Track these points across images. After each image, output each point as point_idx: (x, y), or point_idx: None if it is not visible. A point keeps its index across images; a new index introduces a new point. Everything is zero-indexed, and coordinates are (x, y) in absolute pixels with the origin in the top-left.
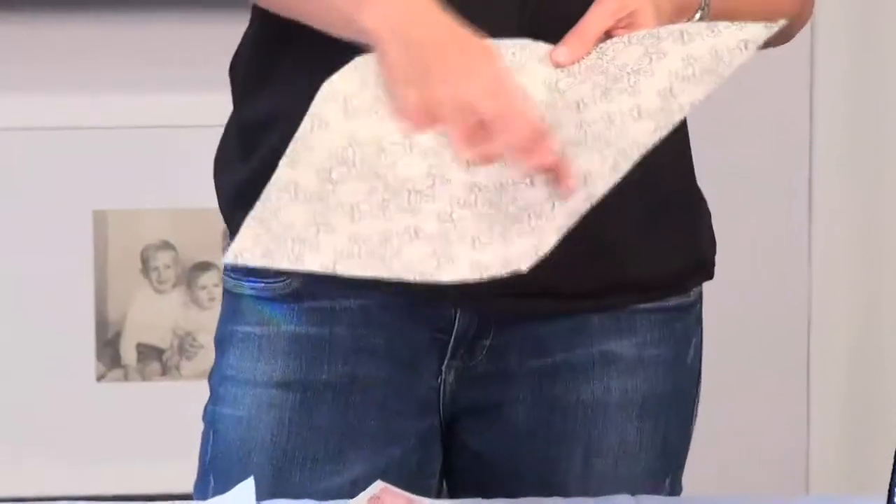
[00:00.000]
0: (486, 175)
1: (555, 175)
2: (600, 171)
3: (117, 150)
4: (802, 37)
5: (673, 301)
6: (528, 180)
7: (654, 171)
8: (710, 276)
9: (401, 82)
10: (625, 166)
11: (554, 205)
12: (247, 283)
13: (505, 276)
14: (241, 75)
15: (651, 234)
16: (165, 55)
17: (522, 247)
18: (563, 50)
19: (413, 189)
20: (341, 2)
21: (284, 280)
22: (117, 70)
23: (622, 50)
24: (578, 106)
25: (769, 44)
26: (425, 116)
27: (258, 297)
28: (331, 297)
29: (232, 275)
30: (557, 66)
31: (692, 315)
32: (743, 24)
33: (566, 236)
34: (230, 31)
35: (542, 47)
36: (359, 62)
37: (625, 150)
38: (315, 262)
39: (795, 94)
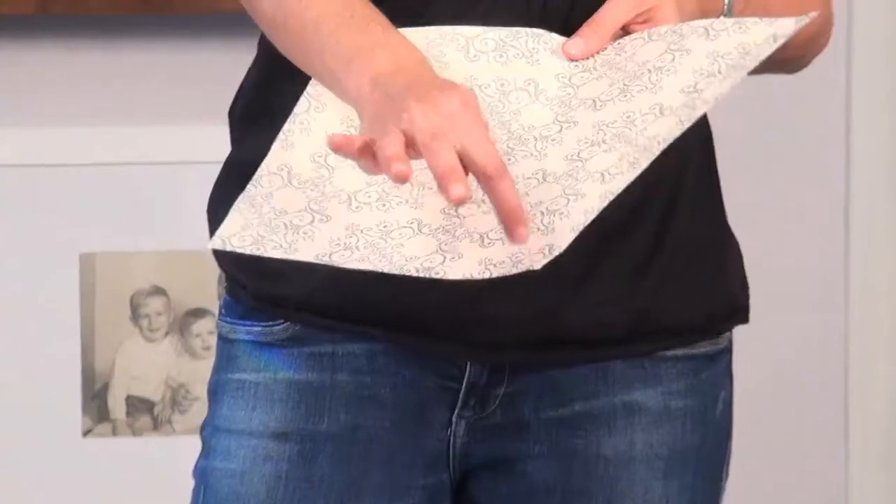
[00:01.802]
0: None
1: (507, 218)
2: (618, 167)
3: (106, 189)
4: (837, 71)
5: (701, 348)
6: (539, 177)
7: (682, 209)
8: (743, 320)
9: (380, 132)
10: (644, 162)
11: (568, 201)
12: (242, 327)
13: (515, 273)
14: (244, 112)
15: (679, 274)
16: (157, 87)
17: (535, 244)
18: (577, 42)
19: (416, 181)
20: (332, 62)
21: (283, 323)
22: (105, 102)
23: (641, 46)
24: (595, 104)
25: (786, 66)
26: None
27: (254, 342)
28: (333, 342)
29: (227, 319)
30: (571, 59)
31: (721, 364)
32: (772, 19)
33: (585, 279)
34: (224, 63)
35: (555, 38)
36: None
37: (645, 147)
38: (309, 251)
39: (831, 130)
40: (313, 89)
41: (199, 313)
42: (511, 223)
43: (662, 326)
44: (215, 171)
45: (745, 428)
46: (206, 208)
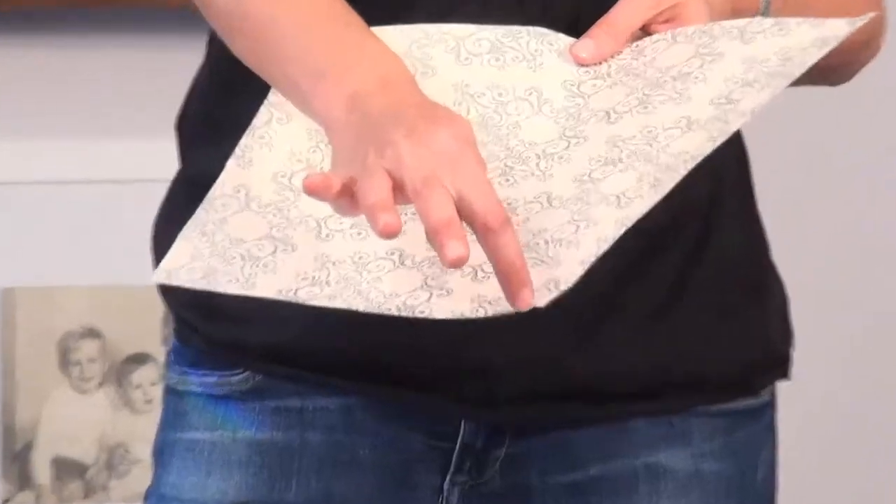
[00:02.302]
0: None
1: (507, 279)
2: (637, 189)
3: (28, 213)
4: None
5: (738, 403)
6: (543, 200)
7: (714, 239)
8: (782, 374)
9: (360, 169)
10: (669, 184)
11: (578, 228)
12: (193, 377)
13: (514, 313)
14: (193, 123)
15: (711, 319)
16: (87, 96)
17: (537, 278)
18: (587, 43)
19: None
20: (298, 72)
21: (242, 373)
22: (25, 109)
23: (665, 50)
24: (609, 116)
25: (829, 76)
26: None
27: (208, 395)
28: (301, 395)
29: (175, 367)
30: (580, 63)
31: (762, 422)
32: (818, 19)
33: (596, 321)
34: (171, 64)
35: (562, 39)
36: None
37: (669, 166)
38: (270, 286)
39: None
40: (275, 97)
41: (140, 360)
42: (513, 285)
43: (687, 379)
44: (160, 192)
45: (791, 492)
46: (149, 235)
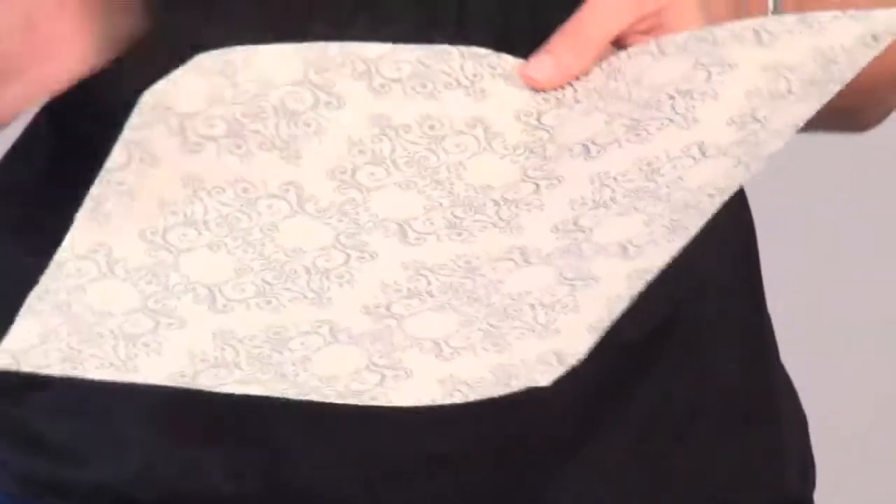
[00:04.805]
0: (435, 249)
1: None
2: (647, 234)
3: None
4: None
5: None
6: (515, 256)
7: (705, 345)
8: None
9: None
10: (694, 223)
11: (574, 287)
12: None
13: (508, 394)
14: None
15: (705, 450)
16: None
17: (532, 351)
18: (543, 62)
19: (314, 267)
20: None
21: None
22: None
23: (651, 65)
24: (587, 150)
25: (855, 117)
26: None
27: None
28: None
29: None
30: (535, 88)
31: None
32: (859, 11)
33: (575, 447)
34: None
35: (506, 60)
36: (202, 63)
37: (688, 203)
38: (158, 369)
39: None
40: (136, 133)
41: None
42: None
43: None
44: None
45: None
46: None
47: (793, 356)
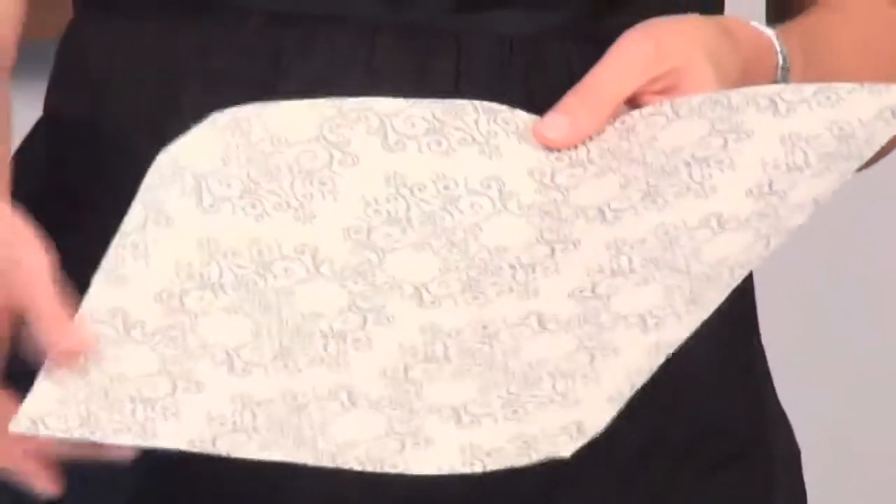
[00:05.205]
0: (452, 313)
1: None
2: (667, 306)
3: None
4: None
5: None
6: (532, 323)
7: (698, 385)
8: None
9: None
10: (715, 297)
11: (593, 358)
12: None
13: (529, 465)
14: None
15: (692, 487)
16: None
17: (553, 421)
18: (558, 121)
19: (331, 332)
20: None
21: None
22: None
23: (664, 127)
24: (603, 215)
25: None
26: None
27: None
28: None
29: None
30: (549, 146)
31: None
32: (876, 84)
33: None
34: None
35: (520, 116)
36: (217, 121)
37: (707, 277)
38: (177, 434)
39: None
40: (151, 193)
41: None
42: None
43: None
44: None
45: None
46: None
47: (786, 366)
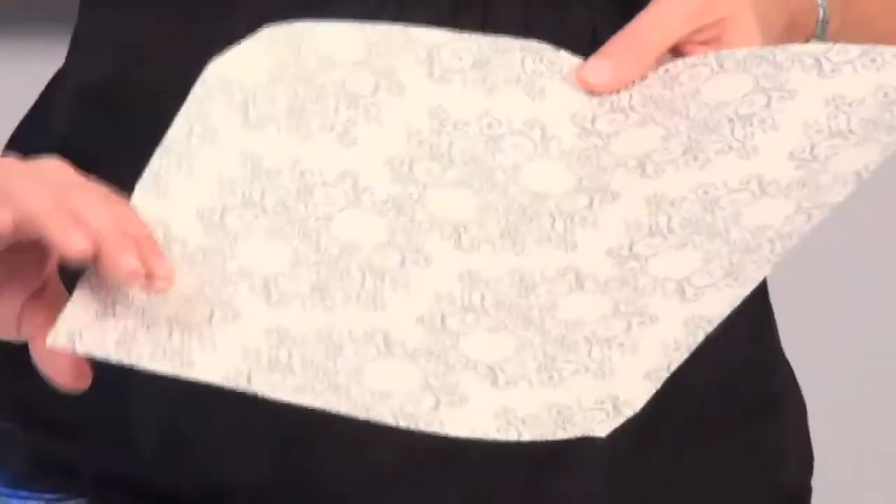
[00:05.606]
0: (490, 259)
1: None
2: (706, 275)
3: None
4: None
5: None
6: (570, 279)
7: (707, 347)
8: None
9: None
10: (754, 274)
11: (630, 325)
12: (15, 502)
13: (564, 441)
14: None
15: (703, 451)
16: None
17: (588, 392)
18: (601, 65)
19: (369, 267)
20: None
21: (75, 500)
22: None
23: (708, 79)
24: (643, 167)
25: None
26: None
27: None
28: None
29: None
30: (591, 91)
31: None
32: None
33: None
34: None
35: (565, 58)
36: (267, 36)
37: (748, 247)
38: (212, 367)
39: None
40: (198, 105)
41: None
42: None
43: None
44: None
45: None
46: None
47: (792, 356)
